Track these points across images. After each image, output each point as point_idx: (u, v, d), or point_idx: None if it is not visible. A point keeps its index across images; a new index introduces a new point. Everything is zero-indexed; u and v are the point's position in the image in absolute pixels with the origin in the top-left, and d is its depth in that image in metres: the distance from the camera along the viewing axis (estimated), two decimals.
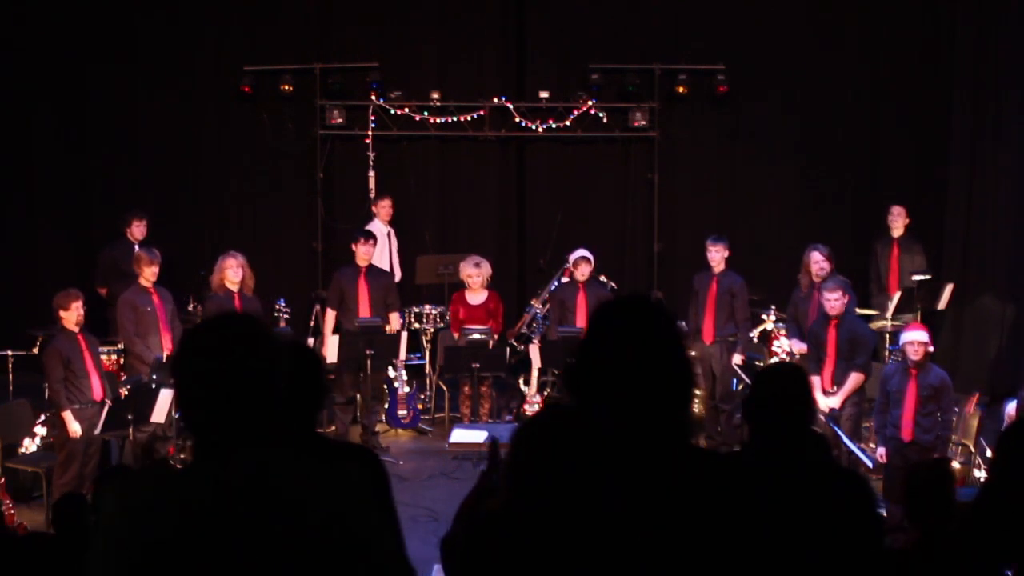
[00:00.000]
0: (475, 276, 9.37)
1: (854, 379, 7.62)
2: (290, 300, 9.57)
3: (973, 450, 7.81)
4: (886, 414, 7.17)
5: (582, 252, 9.30)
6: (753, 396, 3.31)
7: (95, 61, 11.01)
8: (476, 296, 9.43)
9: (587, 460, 1.89)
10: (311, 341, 9.61)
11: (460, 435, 7.94)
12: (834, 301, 7.71)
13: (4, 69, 10.93)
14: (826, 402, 7.62)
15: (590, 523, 1.87)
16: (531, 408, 9.20)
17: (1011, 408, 7.28)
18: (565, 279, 9.63)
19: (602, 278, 9.90)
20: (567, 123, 11.07)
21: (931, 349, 7.20)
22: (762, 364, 8.67)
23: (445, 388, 9.74)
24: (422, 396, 9.71)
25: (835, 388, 7.72)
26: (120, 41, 11.01)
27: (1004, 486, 3.38)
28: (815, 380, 7.74)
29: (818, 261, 8.63)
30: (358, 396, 9.18)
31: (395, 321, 9.21)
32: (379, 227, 10.16)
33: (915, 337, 7.03)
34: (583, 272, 9.22)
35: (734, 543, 2.00)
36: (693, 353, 8.83)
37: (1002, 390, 8.54)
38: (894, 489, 6.81)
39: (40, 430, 7.77)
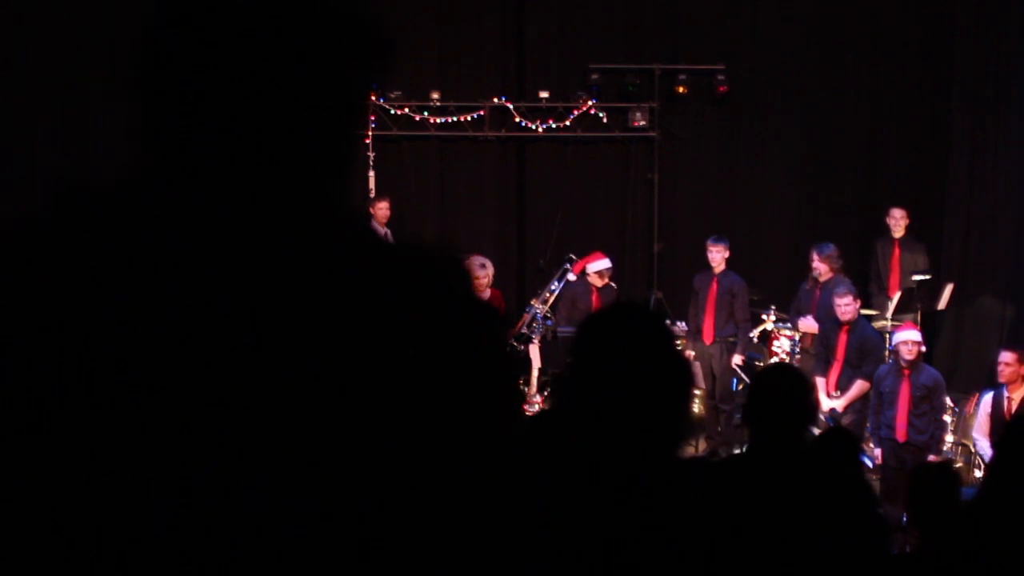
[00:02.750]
0: (481, 277, 9.37)
1: (858, 386, 7.63)
2: None
3: (973, 450, 7.82)
4: (880, 415, 7.19)
5: (607, 263, 9.32)
6: (750, 399, 3.31)
7: (95, 60, 11.00)
8: (480, 296, 9.43)
9: (580, 466, 1.89)
10: None
11: None
12: (844, 307, 7.70)
13: (4, 69, 10.92)
14: (829, 404, 7.63)
15: (584, 527, 1.87)
16: (531, 408, 9.20)
17: (987, 398, 7.38)
18: (572, 276, 9.62)
19: None
20: (567, 123, 11.06)
21: (923, 349, 7.23)
22: (762, 364, 8.68)
23: None
24: None
25: (838, 393, 7.73)
26: (121, 41, 11.01)
27: (1006, 483, 3.38)
28: (820, 382, 7.77)
29: (813, 261, 8.66)
30: None
31: None
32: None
33: (908, 337, 7.05)
34: (604, 280, 9.26)
35: (731, 547, 2.00)
36: (692, 353, 8.84)
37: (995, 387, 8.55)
38: (891, 490, 6.83)
39: None
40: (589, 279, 9.32)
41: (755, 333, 9.41)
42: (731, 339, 8.91)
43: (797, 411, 3.30)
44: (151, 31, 1.09)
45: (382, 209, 10.36)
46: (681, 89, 11.03)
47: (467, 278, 1.15)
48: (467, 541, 1.06)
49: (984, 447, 7.28)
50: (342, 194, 1.15)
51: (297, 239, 1.06)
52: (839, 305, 7.73)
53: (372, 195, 10.80)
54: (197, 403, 1.00)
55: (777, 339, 9.42)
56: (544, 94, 10.98)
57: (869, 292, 9.97)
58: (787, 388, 3.32)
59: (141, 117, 1.14)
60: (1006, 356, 7.31)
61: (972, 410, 8.17)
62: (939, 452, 7.26)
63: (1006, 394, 7.27)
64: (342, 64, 1.10)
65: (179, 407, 0.99)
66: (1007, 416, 7.03)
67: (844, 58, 11.10)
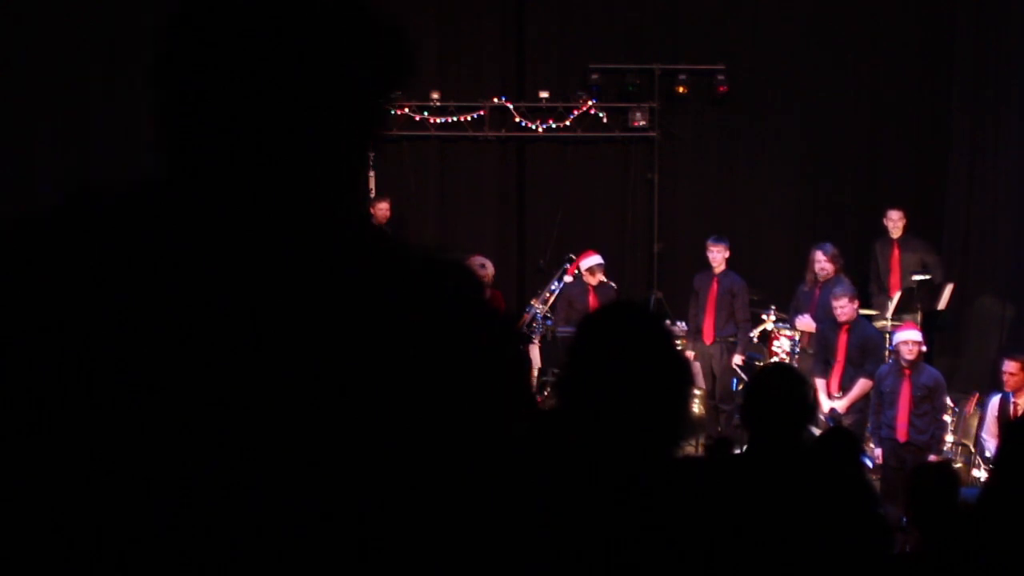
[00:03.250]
0: (481, 277, 9.37)
1: (861, 385, 7.63)
2: None
3: (973, 450, 7.83)
4: (880, 415, 7.19)
5: (598, 259, 9.32)
6: (749, 399, 3.31)
7: (95, 60, 11.00)
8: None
9: (580, 466, 1.89)
10: None
11: None
12: (840, 309, 7.72)
13: (4, 69, 10.92)
14: (831, 405, 7.64)
15: (584, 527, 1.87)
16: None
17: (994, 400, 7.38)
18: (569, 278, 9.63)
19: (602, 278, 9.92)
20: (567, 123, 11.07)
21: (923, 349, 7.24)
22: (762, 364, 8.68)
23: None
24: None
25: (841, 393, 7.74)
26: (122, 41, 10.99)
27: (1008, 486, 3.38)
28: (820, 383, 7.77)
29: (819, 261, 8.66)
30: None
31: None
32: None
33: (909, 337, 7.06)
34: (597, 278, 9.26)
35: (731, 547, 2.00)
36: (692, 353, 8.84)
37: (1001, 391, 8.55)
38: (891, 490, 6.83)
39: None
40: (584, 278, 9.32)
41: (755, 333, 9.42)
42: (731, 339, 8.91)
43: (796, 411, 3.30)
44: (151, 31, 1.09)
45: (382, 209, 10.36)
46: (681, 89, 11.03)
47: (470, 279, 1.15)
48: (467, 541, 1.06)
49: (992, 448, 7.29)
50: (346, 195, 1.13)
51: (297, 239, 1.06)
52: (835, 307, 7.75)
53: (372, 195, 10.80)
54: (197, 403, 1.00)
55: (777, 339, 9.43)
56: (544, 94, 10.98)
57: (869, 292, 9.97)
58: (786, 388, 3.32)
59: (151, 118, 1.10)
60: (1010, 366, 7.27)
61: (972, 410, 8.17)
62: (939, 452, 7.26)
63: (1012, 399, 7.27)
64: (344, 65, 1.09)
65: (179, 407, 0.99)
66: (1013, 420, 7.04)
67: (844, 58, 11.10)
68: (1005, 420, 7.15)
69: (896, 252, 9.99)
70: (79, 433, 0.99)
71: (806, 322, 8.61)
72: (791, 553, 2.89)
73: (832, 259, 8.63)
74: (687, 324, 9.28)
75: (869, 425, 7.53)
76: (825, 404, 7.63)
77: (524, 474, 1.14)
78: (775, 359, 8.97)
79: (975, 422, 8.03)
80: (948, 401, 7.77)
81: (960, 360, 10.49)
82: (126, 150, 11.12)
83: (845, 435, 4.67)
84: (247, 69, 1.05)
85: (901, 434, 7.02)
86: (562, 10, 11.22)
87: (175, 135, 1.09)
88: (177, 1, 1.10)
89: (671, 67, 11.03)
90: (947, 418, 7.67)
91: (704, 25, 11.13)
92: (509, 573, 1.10)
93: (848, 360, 7.76)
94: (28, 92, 10.93)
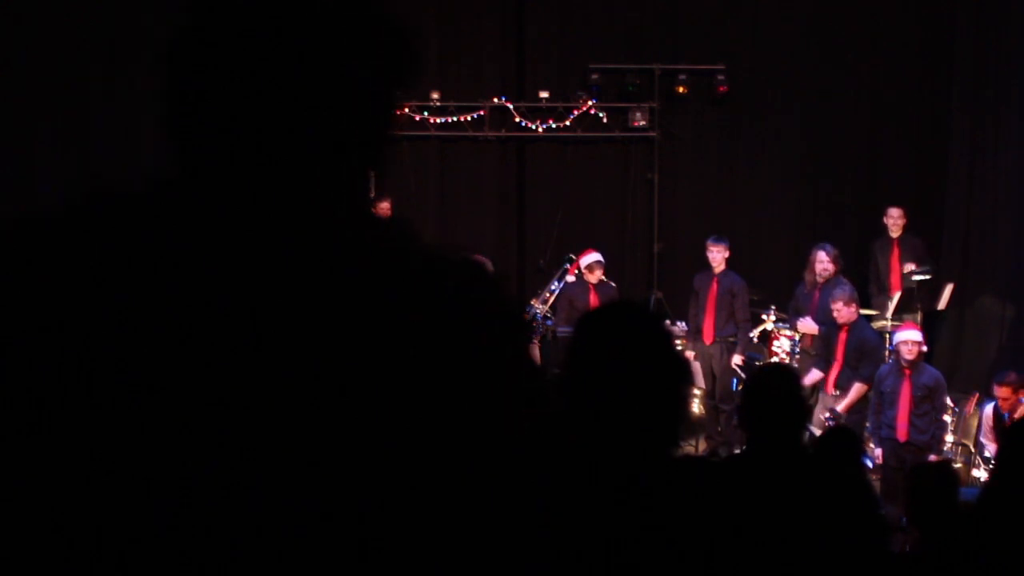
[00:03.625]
0: None
1: (857, 389, 7.65)
2: None
3: (973, 450, 7.83)
4: (880, 415, 7.20)
5: (596, 256, 9.34)
6: (746, 400, 3.32)
7: (95, 60, 11.00)
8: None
9: (580, 466, 1.89)
10: None
11: None
12: (837, 312, 7.76)
13: (4, 69, 10.92)
14: (829, 404, 7.65)
15: (584, 527, 1.87)
16: None
17: (988, 410, 7.38)
18: (571, 277, 9.64)
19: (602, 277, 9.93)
20: (567, 123, 11.07)
21: (924, 349, 7.25)
22: (761, 364, 8.68)
23: None
24: None
25: (838, 392, 7.76)
26: (123, 41, 10.99)
27: (1007, 486, 3.39)
28: (818, 374, 7.80)
29: (822, 261, 8.65)
30: None
31: None
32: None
33: (909, 337, 7.07)
34: (597, 276, 9.26)
35: (731, 547, 2.00)
36: (692, 353, 8.85)
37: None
38: (891, 490, 6.83)
39: None
40: (585, 277, 9.34)
41: (755, 333, 9.42)
42: (731, 339, 8.92)
43: (794, 411, 3.30)
44: (151, 31, 1.10)
45: (383, 209, 10.36)
46: (681, 89, 11.03)
47: (475, 277, 1.14)
48: (467, 541, 1.06)
49: (992, 450, 7.29)
50: (348, 194, 1.14)
51: (297, 239, 1.06)
52: (832, 309, 7.80)
53: (372, 195, 10.78)
54: (197, 403, 1.00)
55: (777, 339, 9.43)
56: (544, 94, 10.98)
57: (869, 293, 9.97)
58: (784, 389, 3.32)
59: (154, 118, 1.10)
60: (1001, 391, 7.26)
61: (972, 410, 8.17)
62: (940, 452, 7.27)
63: (1008, 416, 7.27)
64: (345, 65, 1.09)
65: (179, 407, 0.99)
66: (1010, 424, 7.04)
67: (844, 58, 11.10)
68: (1001, 427, 7.16)
69: (896, 251, 9.99)
70: (79, 433, 0.99)
71: (808, 324, 8.62)
72: (791, 553, 2.89)
73: (834, 260, 8.65)
74: (687, 324, 9.29)
75: (869, 425, 7.54)
76: (821, 401, 7.65)
77: (524, 474, 1.13)
78: (775, 359, 8.97)
79: (975, 422, 8.04)
80: (948, 401, 7.78)
81: (960, 360, 10.50)
82: (126, 150, 11.13)
83: (845, 435, 4.67)
84: (247, 69, 1.05)
85: (901, 434, 7.02)
86: (562, 10, 11.22)
87: (176, 135, 1.10)
88: (177, 2, 1.11)
89: (671, 67, 11.04)
90: (947, 418, 7.68)
91: (704, 25, 11.14)
92: (509, 573, 1.10)
93: (846, 361, 7.79)
94: (28, 92, 10.92)
